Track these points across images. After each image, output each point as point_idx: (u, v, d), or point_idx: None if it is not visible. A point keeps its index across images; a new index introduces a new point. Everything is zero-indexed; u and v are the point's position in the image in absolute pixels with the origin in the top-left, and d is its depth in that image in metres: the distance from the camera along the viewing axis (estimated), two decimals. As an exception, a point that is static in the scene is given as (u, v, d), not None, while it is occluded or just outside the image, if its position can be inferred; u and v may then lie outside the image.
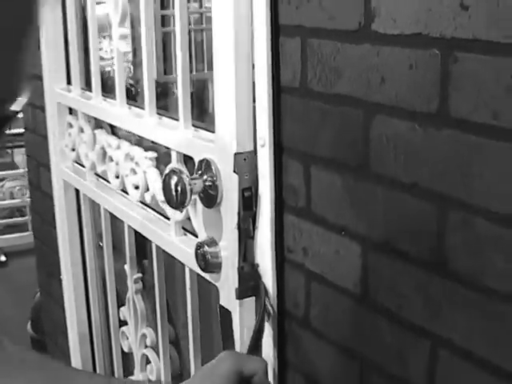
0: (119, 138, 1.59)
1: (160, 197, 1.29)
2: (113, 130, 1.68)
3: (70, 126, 1.81)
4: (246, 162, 1.09)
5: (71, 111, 1.86)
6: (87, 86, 1.75)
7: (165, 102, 3.20)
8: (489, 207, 0.76)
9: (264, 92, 1.05)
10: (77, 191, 1.91)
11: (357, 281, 0.97)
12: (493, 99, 0.73)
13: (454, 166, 0.79)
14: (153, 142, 1.37)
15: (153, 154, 1.40)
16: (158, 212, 1.45)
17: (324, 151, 0.99)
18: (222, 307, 1.03)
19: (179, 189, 1.12)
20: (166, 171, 1.16)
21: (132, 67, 4.35)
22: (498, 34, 0.72)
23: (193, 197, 1.15)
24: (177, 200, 1.12)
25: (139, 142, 1.53)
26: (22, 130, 2.38)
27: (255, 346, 1.05)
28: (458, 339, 0.83)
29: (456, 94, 0.78)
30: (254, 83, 1.07)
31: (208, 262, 1.16)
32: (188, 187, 1.12)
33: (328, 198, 1.00)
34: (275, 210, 1.09)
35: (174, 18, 1.24)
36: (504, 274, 0.76)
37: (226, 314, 1.01)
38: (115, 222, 1.70)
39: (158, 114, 1.37)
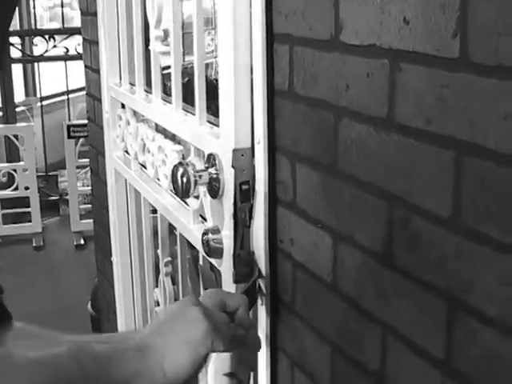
0: (158, 131, 1.71)
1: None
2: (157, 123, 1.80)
3: (120, 118, 1.95)
4: (243, 158, 1.18)
5: (123, 104, 2.00)
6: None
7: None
8: (423, 206, 0.83)
9: (259, 94, 1.14)
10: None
11: (329, 271, 1.05)
12: (427, 107, 0.80)
13: (398, 167, 0.86)
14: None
15: (179, 147, 1.51)
16: (184, 201, 1.55)
17: (305, 150, 1.07)
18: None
19: (184, 180, 1.22)
20: (175, 163, 1.27)
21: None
22: (431, 47, 0.78)
23: (199, 188, 1.26)
24: (182, 190, 1.23)
25: (173, 135, 1.64)
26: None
27: None
28: (401, 328, 0.90)
29: (400, 101, 0.85)
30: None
31: (211, 247, 1.26)
32: (192, 179, 1.22)
33: (308, 193, 1.08)
34: (268, 203, 1.18)
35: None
36: (436, 268, 0.82)
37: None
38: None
39: (185, 109, 1.48)
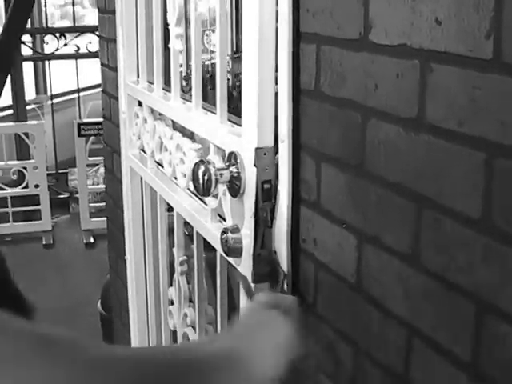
0: (176, 129, 1.71)
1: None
2: (174, 122, 1.80)
3: (137, 116, 1.95)
4: (266, 157, 1.18)
5: (140, 103, 2.00)
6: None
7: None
8: (454, 207, 0.82)
9: (285, 93, 1.14)
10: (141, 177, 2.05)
11: (353, 271, 1.04)
12: (459, 108, 0.80)
13: (428, 168, 0.86)
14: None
15: (198, 146, 1.50)
16: (201, 200, 1.55)
17: (331, 150, 1.07)
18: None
19: (205, 178, 1.22)
20: (195, 161, 1.27)
21: (231, 61, 4.50)
22: (464, 48, 0.78)
23: (220, 186, 1.25)
24: (203, 188, 1.23)
25: (192, 133, 1.64)
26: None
27: None
28: (427, 330, 0.89)
29: (431, 102, 0.84)
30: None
31: (230, 246, 1.26)
32: (213, 177, 1.22)
33: (333, 193, 1.08)
34: (292, 203, 1.18)
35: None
36: (465, 270, 0.82)
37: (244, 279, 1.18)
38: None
39: (205, 108, 1.48)
